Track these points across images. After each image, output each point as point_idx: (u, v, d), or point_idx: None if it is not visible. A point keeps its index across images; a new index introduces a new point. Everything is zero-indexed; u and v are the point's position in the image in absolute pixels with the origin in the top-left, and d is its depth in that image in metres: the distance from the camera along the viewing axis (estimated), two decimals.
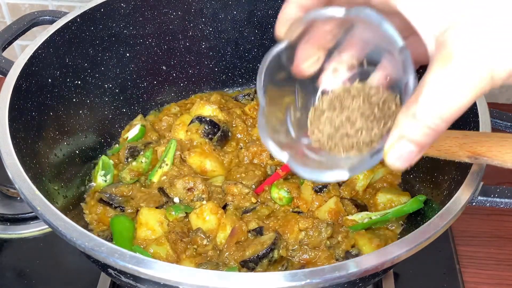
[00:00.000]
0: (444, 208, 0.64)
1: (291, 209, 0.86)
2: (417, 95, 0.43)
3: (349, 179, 0.89)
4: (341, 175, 0.50)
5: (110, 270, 0.63)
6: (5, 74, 0.80)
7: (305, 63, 0.54)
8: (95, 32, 0.93)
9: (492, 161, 0.60)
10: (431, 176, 0.84)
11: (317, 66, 0.55)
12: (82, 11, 0.90)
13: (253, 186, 0.89)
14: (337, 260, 0.78)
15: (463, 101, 0.43)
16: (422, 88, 0.43)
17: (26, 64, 0.81)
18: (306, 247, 0.79)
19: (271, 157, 0.94)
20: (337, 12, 0.49)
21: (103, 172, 0.93)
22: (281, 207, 0.86)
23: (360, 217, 0.84)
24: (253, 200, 0.87)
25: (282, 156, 0.54)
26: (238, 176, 0.91)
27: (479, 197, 0.68)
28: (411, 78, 0.45)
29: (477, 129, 0.73)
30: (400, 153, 0.44)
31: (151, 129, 1.01)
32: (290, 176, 0.91)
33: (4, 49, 0.87)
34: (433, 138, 0.44)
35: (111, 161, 0.95)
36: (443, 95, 0.42)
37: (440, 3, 0.44)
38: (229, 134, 0.97)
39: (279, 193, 0.87)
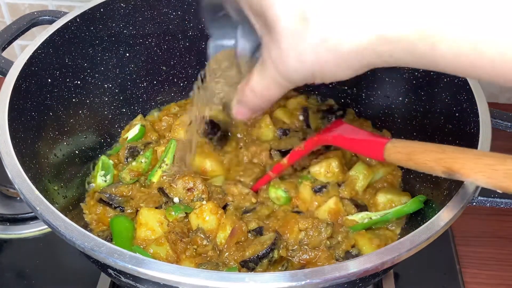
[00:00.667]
0: (444, 208, 0.64)
1: (290, 209, 0.86)
2: (246, 82, 0.59)
3: (349, 179, 0.89)
4: None
5: (110, 270, 0.63)
6: (4, 74, 0.80)
7: None
8: (95, 32, 0.93)
9: (465, 178, 0.61)
10: (431, 176, 0.84)
11: None
12: (81, 11, 0.90)
13: (251, 183, 0.89)
14: (337, 260, 0.78)
15: (272, 94, 0.58)
16: (250, 77, 0.58)
17: (25, 64, 0.80)
18: (306, 247, 0.79)
19: (271, 157, 0.94)
20: None
21: (103, 172, 0.93)
22: (281, 207, 0.86)
23: (360, 217, 0.84)
24: (253, 200, 0.86)
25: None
26: (237, 175, 0.91)
27: (479, 197, 0.68)
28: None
29: (477, 129, 0.73)
30: (237, 111, 0.64)
31: (151, 129, 1.01)
32: (287, 176, 0.91)
33: (3, 49, 0.87)
34: (257, 105, 0.61)
35: (111, 161, 0.95)
36: (258, 90, 0.58)
37: None
38: (229, 134, 0.97)
39: (276, 193, 0.87)
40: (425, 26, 0.45)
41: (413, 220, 0.83)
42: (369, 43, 0.47)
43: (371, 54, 0.48)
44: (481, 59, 0.44)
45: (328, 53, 0.49)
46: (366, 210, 0.86)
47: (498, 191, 0.58)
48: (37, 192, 0.66)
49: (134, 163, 0.93)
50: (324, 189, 0.86)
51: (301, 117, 1.02)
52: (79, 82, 0.92)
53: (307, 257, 0.78)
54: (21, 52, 0.83)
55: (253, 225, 0.82)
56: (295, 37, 0.49)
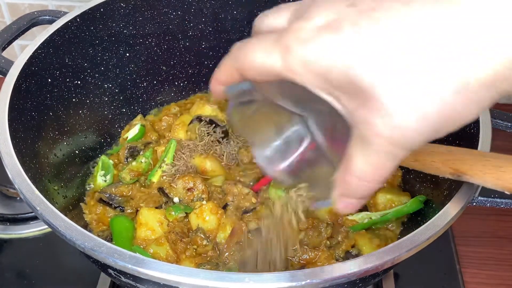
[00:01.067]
0: (444, 208, 0.64)
1: None
2: (345, 170, 0.46)
3: None
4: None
5: (110, 270, 0.63)
6: (4, 74, 0.80)
7: None
8: (95, 32, 0.93)
9: (473, 180, 0.61)
10: (431, 176, 0.84)
11: None
12: (81, 11, 0.90)
13: (251, 183, 0.89)
14: (337, 260, 0.78)
15: (386, 172, 0.45)
16: (348, 164, 0.46)
17: (25, 64, 0.80)
18: (306, 247, 0.79)
19: None
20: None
21: (103, 172, 0.93)
22: None
23: (360, 217, 0.84)
24: (253, 200, 0.86)
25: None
26: (237, 175, 0.91)
27: (479, 197, 0.68)
28: None
29: (477, 129, 0.73)
30: (345, 205, 0.50)
31: (151, 129, 1.01)
32: None
33: (3, 49, 0.87)
34: (368, 190, 0.47)
35: (111, 161, 0.95)
36: (367, 174, 0.45)
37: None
38: (229, 134, 0.96)
39: (276, 193, 0.86)
40: None
41: (413, 220, 0.83)
42: (500, 69, 0.38)
43: (502, 83, 0.38)
44: None
45: (455, 96, 0.39)
46: (366, 210, 0.86)
47: (506, 192, 0.58)
48: (37, 192, 0.66)
49: (134, 163, 0.93)
50: None
51: None
52: (79, 82, 0.92)
53: (307, 257, 0.78)
54: (21, 52, 0.83)
55: (253, 225, 0.82)
56: (407, 92, 0.39)
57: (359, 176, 0.45)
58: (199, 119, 0.96)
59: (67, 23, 0.88)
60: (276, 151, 0.56)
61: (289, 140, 0.55)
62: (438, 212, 0.64)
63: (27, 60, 0.81)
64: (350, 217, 0.84)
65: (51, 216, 0.63)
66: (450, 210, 0.64)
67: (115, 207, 0.87)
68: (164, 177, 0.89)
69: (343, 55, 0.40)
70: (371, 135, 0.42)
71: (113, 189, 0.89)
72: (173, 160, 0.91)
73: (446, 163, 0.63)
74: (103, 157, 0.96)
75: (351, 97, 0.42)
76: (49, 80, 0.86)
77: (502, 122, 0.77)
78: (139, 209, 0.85)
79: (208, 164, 0.91)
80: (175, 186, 0.86)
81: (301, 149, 0.55)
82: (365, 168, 0.45)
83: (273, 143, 0.56)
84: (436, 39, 0.38)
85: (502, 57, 0.37)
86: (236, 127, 0.55)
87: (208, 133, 0.94)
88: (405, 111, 0.39)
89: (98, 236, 0.69)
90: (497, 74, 0.38)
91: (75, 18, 0.89)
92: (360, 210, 0.85)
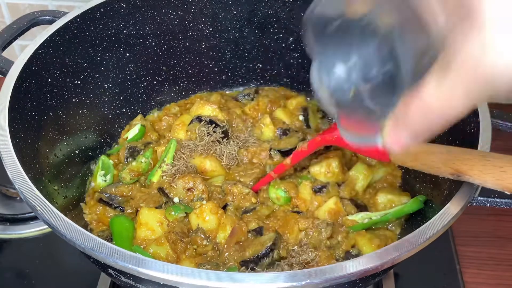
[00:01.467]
0: (444, 208, 0.64)
1: (290, 209, 0.86)
2: (413, 97, 0.43)
3: (349, 179, 0.89)
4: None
5: (110, 270, 0.63)
6: (5, 74, 0.80)
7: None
8: (95, 32, 0.93)
9: (473, 180, 0.60)
10: (431, 176, 0.84)
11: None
12: (81, 11, 0.90)
13: (251, 183, 0.89)
14: (337, 260, 0.78)
15: (454, 110, 0.41)
16: (420, 90, 0.42)
17: (26, 64, 0.81)
18: (306, 247, 0.79)
19: (270, 157, 0.94)
20: None
21: (103, 172, 0.93)
22: (281, 207, 0.86)
23: (361, 217, 0.84)
24: (253, 200, 0.87)
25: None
26: (237, 175, 0.91)
27: (479, 197, 0.68)
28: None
29: (477, 129, 0.73)
30: (395, 138, 0.46)
31: (151, 129, 1.01)
32: (287, 176, 0.91)
33: (4, 49, 0.87)
34: (427, 128, 0.44)
35: (111, 161, 0.95)
36: (435, 104, 0.41)
37: None
38: (229, 134, 0.96)
39: (276, 193, 0.87)
40: None
41: (413, 220, 0.83)
42: None
43: None
44: None
45: None
46: (366, 210, 0.86)
47: (506, 192, 0.58)
48: (37, 192, 0.66)
49: (134, 163, 0.93)
50: (324, 189, 0.86)
51: (301, 117, 1.02)
52: (79, 82, 0.92)
53: (307, 257, 0.78)
54: (21, 52, 0.83)
55: (253, 225, 0.82)
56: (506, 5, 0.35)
57: (425, 104, 0.41)
58: (199, 119, 0.96)
59: (67, 23, 0.88)
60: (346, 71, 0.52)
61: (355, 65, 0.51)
62: (438, 212, 0.64)
63: (27, 60, 0.81)
64: (350, 217, 0.84)
65: (51, 216, 0.63)
66: (450, 210, 0.64)
67: (115, 207, 0.87)
68: (164, 177, 0.89)
69: None
70: (454, 61, 0.38)
71: (113, 189, 0.89)
72: (173, 160, 0.91)
73: (446, 163, 0.62)
74: (103, 157, 0.96)
75: (452, 11, 0.38)
76: (49, 80, 0.86)
77: (502, 122, 0.77)
78: (139, 209, 0.85)
79: (208, 164, 0.91)
80: (175, 186, 0.86)
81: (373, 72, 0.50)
82: (435, 97, 0.40)
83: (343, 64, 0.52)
84: None
85: None
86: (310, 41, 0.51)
87: (208, 133, 0.94)
88: (504, 37, 0.35)
89: (98, 236, 0.69)
90: None
91: (75, 18, 0.89)
92: (360, 210, 0.85)
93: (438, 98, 0.40)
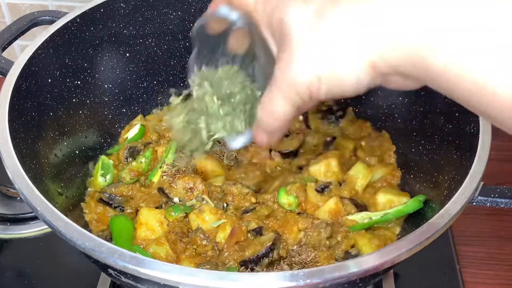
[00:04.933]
0: (444, 208, 0.64)
1: (290, 210, 0.86)
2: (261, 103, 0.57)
3: (348, 179, 0.89)
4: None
5: (110, 270, 0.63)
6: (5, 74, 0.80)
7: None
8: (95, 32, 0.93)
9: None
10: (431, 176, 0.84)
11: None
12: (82, 11, 0.90)
13: (253, 188, 0.89)
14: (336, 260, 0.78)
15: (280, 110, 0.55)
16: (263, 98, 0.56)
17: (26, 64, 0.81)
18: (305, 247, 0.79)
19: (270, 157, 0.94)
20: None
21: (103, 172, 0.93)
22: (280, 207, 0.86)
23: (361, 217, 0.84)
24: (253, 200, 0.86)
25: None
26: (238, 176, 0.91)
27: (479, 197, 0.68)
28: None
29: (477, 129, 0.73)
30: (255, 135, 0.61)
31: (151, 129, 1.01)
32: (292, 178, 0.90)
33: (4, 49, 0.88)
34: (272, 127, 0.57)
35: (111, 161, 0.95)
36: (268, 107, 0.56)
37: None
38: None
39: (288, 199, 0.86)
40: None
41: (413, 220, 0.83)
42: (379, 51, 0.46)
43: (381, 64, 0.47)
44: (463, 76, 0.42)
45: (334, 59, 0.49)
46: (366, 210, 0.86)
47: None
48: (37, 192, 0.66)
49: (134, 163, 0.93)
50: (326, 189, 0.86)
51: (300, 118, 1.02)
52: (79, 82, 0.92)
53: (307, 257, 0.78)
54: (21, 52, 0.83)
55: (252, 225, 0.82)
56: (305, 35, 0.49)
57: (263, 107, 0.56)
58: None
59: (67, 23, 0.88)
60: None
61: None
62: (438, 212, 0.64)
63: (27, 61, 0.81)
64: (350, 217, 0.84)
65: (52, 217, 0.63)
66: (450, 210, 0.64)
67: (115, 207, 0.87)
68: (164, 177, 0.89)
69: (281, 8, 0.52)
70: (275, 72, 0.52)
71: (113, 189, 0.89)
72: (173, 160, 0.91)
73: None
74: (103, 157, 0.96)
75: (278, 38, 0.53)
76: (49, 80, 0.86)
77: None
78: (139, 209, 0.85)
79: (208, 164, 0.91)
80: (175, 186, 0.87)
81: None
82: (267, 101, 0.55)
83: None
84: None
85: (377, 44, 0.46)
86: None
87: None
88: (299, 51, 0.50)
89: (98, 236, 0.69)
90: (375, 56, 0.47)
91: (75, 18, 0.89)
92: (360, 210, 0.85)
93: (269, 102, 0.55)
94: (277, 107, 0.54)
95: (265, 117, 0.57)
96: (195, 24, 0.65)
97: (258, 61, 0.64)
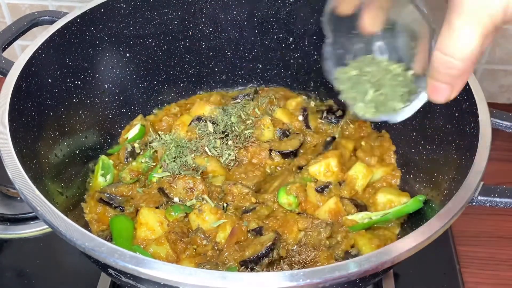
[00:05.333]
0: (444, 208, 0.64)
1: (290, 209, 0.86)
2: (434, 51, 0.52)
3: (348, 179, 0.89)
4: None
5: (110, 270, 0.63)
6: (5, 75, 0.80)
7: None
8: (95, 32, 0.93)
9: None
10: (431, 176, 0.84)
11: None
12: (82, 11, 0.90)
13: (253, 187, 0.89)
14: (336, 260, 0.78)
15: (473, 45, 0.49)
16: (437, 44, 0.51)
17: (26, 65, 0.81)
18: (305, 247, 0.79)
19: (270, 157, 0.94)
20: None
21: (103, 172, 0.93)
22: (280, 207, 0.86)
23: (361, 217, 0.84)
24: (253, 200, 0.86)
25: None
26: (238, 176, 0.91)
27: (479, 197, 0.68)
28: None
29: (477, 129, 0.73)
30: (434, 89, 0.55)
31: (151, 129, 1.01)
32: (291, 178, 0.90)
33: (4, 49, 0.87)
34: (458, 71, 0.51)
35: (111, 161, 0.95)
36: (455, 48, 0.50)
37: None
38: (229, 134, 0.96)
39: (288, 199, 0.86)
40: None
41: (413, 220, 0.83)
42: None
43: None
44: None
45: None
46: (366, 210, 0.86)
47: None
48: (37, 192, 0.66)
49: (134, 163, 0.93)
50: (326, 189, 0.86)
51: (300, 118, 1.02)
52: (79, 82, 0.92)
53: (307, 257, 0.78)
54: (22, 52, 0.83)
55: (252, 225, 0.82)
56: None
57: (446, 52, 0.50)
58: (199, 119, 0.96)
59: (67, 23, 0.88)
60: None
61: None
62: (438, 212, 0.64)
63: (28, 61, 0.81)
64: (350, 217, 0.84)
65: (52, 217, 0.63)
66: (450, 210, 0.64)
67: (115, 207, 0.87)
68: (164, 177, 0.89)
69: None
70: (459, 5, 0.47)
71: (113, 189, 0.89)
72: (173, 161, 0.91)
73: None
74: (103, 157, 0.96)
75: None
76: (49, 80, 0.86)
77: (502, 122, 0.78)
78: (139, 209, 0.85)
79: (208, 164, 0.91)
80: (175, 186, 0.87)
81: None
82: (452, 42, 0.49)
83: None
84: None
85: None
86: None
87: (208, 133, 0.95)
88: None
89: (98, 235, 0.69)
90: None
91: (75, 18, 0.89)
92: (360, 210, 0.85)
93: (456, 42, 0.49)
94: (463, 39, 0.48)
95: (450, 65, 0.50)
96: (326, 9, 0.63)
97: (401, 31, 0.62)
